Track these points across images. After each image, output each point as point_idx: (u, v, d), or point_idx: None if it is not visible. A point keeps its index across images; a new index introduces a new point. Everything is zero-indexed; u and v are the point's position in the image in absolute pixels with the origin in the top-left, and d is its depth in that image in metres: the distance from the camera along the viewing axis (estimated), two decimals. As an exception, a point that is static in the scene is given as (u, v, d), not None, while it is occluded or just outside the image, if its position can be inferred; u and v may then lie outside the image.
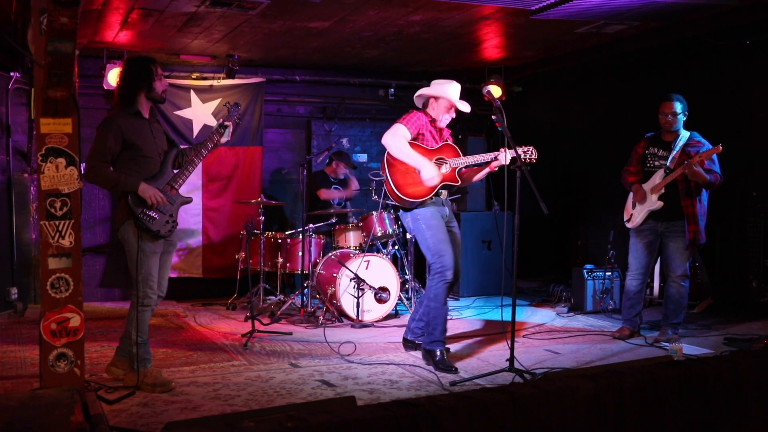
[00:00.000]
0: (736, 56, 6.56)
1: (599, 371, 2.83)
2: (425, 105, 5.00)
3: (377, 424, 2.24)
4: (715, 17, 5.76)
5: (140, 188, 4.04)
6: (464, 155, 4.89)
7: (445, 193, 4.90)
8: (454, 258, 4.79)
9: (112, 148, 4.04)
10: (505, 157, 4.67)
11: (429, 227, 4.78)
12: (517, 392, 2.51)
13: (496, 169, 4.82)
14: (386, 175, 4.82)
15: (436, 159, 4.82)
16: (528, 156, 4.65)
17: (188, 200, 4.37)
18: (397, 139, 4.73)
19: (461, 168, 4.88)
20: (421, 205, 4.79)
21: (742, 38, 6.23)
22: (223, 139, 4.43)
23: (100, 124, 4.13)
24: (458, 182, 4.86)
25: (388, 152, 4.80)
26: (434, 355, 4.72)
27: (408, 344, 5.14)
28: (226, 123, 4.45)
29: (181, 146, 4.52)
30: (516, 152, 4.49)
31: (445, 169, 4.81)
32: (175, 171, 4.31)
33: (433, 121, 4.94)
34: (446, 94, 4.89)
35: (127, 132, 4.07)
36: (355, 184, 7.65)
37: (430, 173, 4.72)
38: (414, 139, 4.82)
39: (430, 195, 4.77)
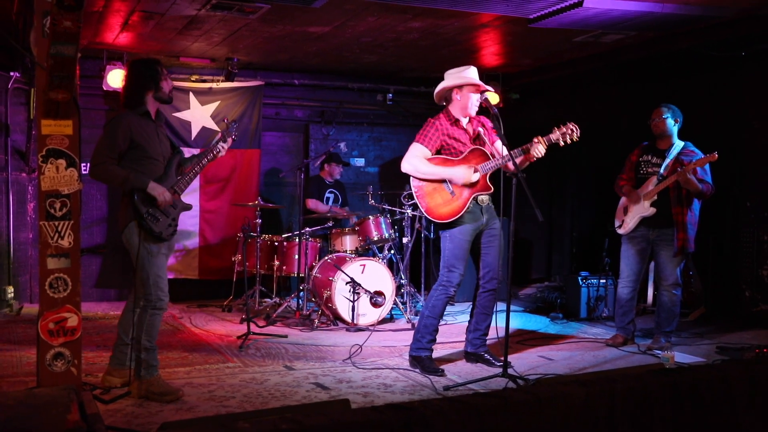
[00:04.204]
0: (731, 67, 6.62)
1: (592, 378, 2.85)
2: (448, 100, 4.81)
3: (371, 427, 2.26)
4: (711, 29, 5.82)
5: (150, 186, 3.99)
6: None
7: (483, 198, 4.75)
8: (492, 265, 4.78)
9: (120, 145, 3.98)
10: (538, 150, 4.57)
11: (451, 240, 4.73)
12: (510, 397, 2.54)
13: (535, 159, 4.65)
14: (417, 201, 4.77)
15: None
16: (569, 137, 4.61)
17: (188, 207, 4.31)
18: (414, 162, 4.68)
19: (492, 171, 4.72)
20: (459, 221, 4.69)
21: (737, 49, 6.28)
22: (221, 154, 4.38)
23: (109, 121, 4.09)
24: (491, 190, 4.73)
25: (411, 177, 4.74)
26: (420, 359, 4.77)
27: (470, 357, 5.03)
28: (221, 142, 4.38)
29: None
30: (550, 140, 4.53)
31: (475, 177, 4.67)
32: (178, 177, 4.27)
33: (456, 122, 4.76)
34: (470, 79, 4.71)
35: (136, 131, 4.02)
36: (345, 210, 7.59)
37: (464, 176, 4.63)
38: (438, 152, 4.72)
39: (462, 212, 4.67)
